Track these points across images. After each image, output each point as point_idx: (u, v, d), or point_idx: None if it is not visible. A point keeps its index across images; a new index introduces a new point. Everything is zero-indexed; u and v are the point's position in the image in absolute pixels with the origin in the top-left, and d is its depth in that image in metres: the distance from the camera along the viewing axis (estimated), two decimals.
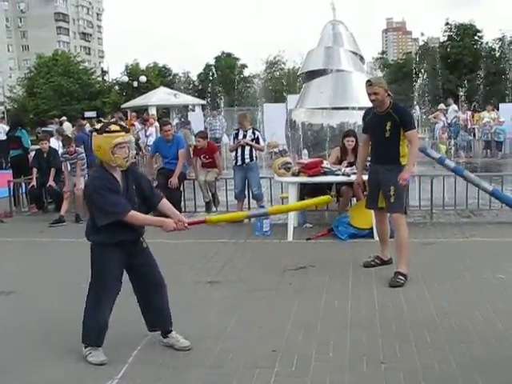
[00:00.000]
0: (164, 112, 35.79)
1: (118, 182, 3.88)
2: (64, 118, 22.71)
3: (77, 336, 4.43)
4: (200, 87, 50.89)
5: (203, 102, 33.27)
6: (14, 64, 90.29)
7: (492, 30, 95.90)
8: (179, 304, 4.27)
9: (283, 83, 33.80)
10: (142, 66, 53.71)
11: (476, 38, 43.24)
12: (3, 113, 48.01)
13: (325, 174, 7.46)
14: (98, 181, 3.89)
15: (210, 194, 9.37)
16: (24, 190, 10.74)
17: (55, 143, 11.92)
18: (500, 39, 41.22)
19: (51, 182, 9.78)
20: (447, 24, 43.89)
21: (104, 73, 57.76)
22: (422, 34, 63.05)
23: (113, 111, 29.89)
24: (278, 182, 8.76)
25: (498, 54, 40.31)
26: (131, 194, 3.93)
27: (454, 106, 20.18)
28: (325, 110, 11.61)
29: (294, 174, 7.60)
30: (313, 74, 13.28)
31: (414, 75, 17.56)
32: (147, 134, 17.72)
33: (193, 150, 9.73)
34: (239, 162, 8.90)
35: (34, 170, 10.07)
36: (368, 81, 5.64)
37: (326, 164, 7.52)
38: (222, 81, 41.01)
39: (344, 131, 8.92)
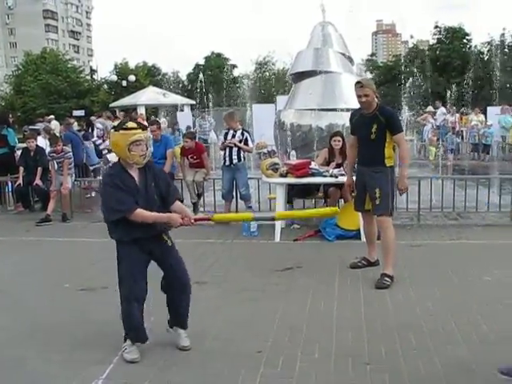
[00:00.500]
0: (153, 111, 35.70)
1: (134, 180, 3.86)
2: (52, 116, 22.54)
3: (61, 336, 4.43)
4: (189, 87, 50.85)
5: (192, 101, 33.22)
6: (2, 61, 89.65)
7: (481, 33, 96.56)
8: (162, 304, 4.24)
9: (272, 84, 33.84)
10: (132, 65, 53.53)
11: (465, 41, 43.49)
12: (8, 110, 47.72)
13: (312, 175, 7.46)
14: (108, 177, 3.93)
15: (196, 194, 9.33)
16: (10, 189, 10.65)
17: (42, 142, 11.84)
18: (488, 43, 41.49)
19: (38, 181, 9.72)
20: (436, 27, 44.13)
21: (93, 71, 57.47)
22: (412, 37, 63.45)
23: (101, 110, 29.75)
24: (266, 183, 8.75)
25: (486, 58, 40.53)
26: (150, 191, 3.90)
27: (442, 109, 20.30)
28: (313, 111, 11.63)
29: (281, 175, 7.59)
30: (302, 75, 13.30)
31: (402, 77, 17.64)
32: None
33: (180, 150, 9.70)
34: (227, 163, 8.89)
35: (21, 169, 9.99)
36: (358, 82, 5.64)
37: (313, 165, 7.53)
38: (212, 81, 40.98)
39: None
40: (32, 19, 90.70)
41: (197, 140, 10.43)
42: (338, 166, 7.78)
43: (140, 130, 3.80)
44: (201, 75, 33.10)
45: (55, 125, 18.10)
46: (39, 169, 9.77)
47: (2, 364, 3.97)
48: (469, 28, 44.50)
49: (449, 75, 35.55)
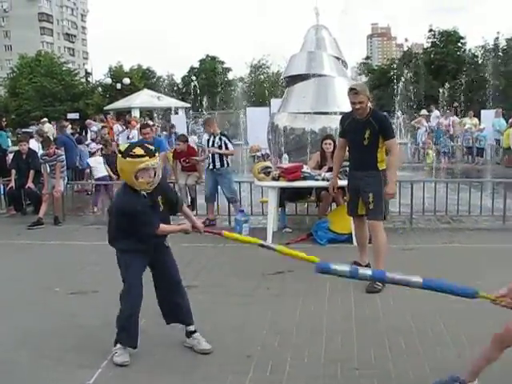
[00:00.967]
0: (147, 114, 35.66)
1: (146, 198, 3.83)
2: (45, 119, 22.48)
3: (48, 340, 4.41)
4: (184, 90, 50.79)
5: (187, 104, 33.24)
6: None
7: (475, 37, 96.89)
8: (155, 308, 4.23)
9: (266, 87, 33.90)
10: (126, 68, 53.46)
11: (459, 44, 43.62)
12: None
13: (304, 178, 7.44)
14: (127, 204, 3.81)
15: (190, 198, 9.33)
16: (2, 192, 10.62)
17: (35, 145, 11.81)
18: (482, 46, 41.63)
19: (30, 184, 9.69)
20: (431, 30, 44.26)
21: (88, 74, 57.34)
22: (406, 40, 63.77)
23: (96, 113, 29.73)
24: (258, 186, 8.73)
25: (480, 61, 40.67)
26: (156, 207, 3.90)
27: (436, 112, 20.36)
28: (307, 115, 11.64)
29: (273, 179, 7.57)
30: (295, 79, 13.31)
31: (396, 81, 17.69)
32: (130, 136, 17.60)
33: (173, 154, 9.68)
34: (210, 166, 8.82)
35: (13, 172, 9.97)
36: (353, 88, 5.58)
37: (305, 169, 7.52)
38: (206, 84, 41.02)
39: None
40: (27, 22, 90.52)
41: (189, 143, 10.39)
42: (331, 169, 7.75)
43: (147, 158, 3.64)
44: (194, 82, 33.12)
45: (48, 127, 18.06)
46: (31, 172, 9.74)
47: None
48: (464, 31, 44.75)
49: (443, 78, 35.62)
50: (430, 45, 44.47)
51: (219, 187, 8.76)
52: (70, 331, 4.56)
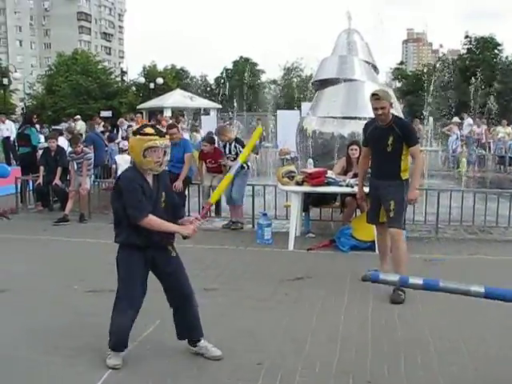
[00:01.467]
0: (180, 114, 35.88)
1: (149, 184, 3.80)
2: (78, 116, 22.79)
3: (61, 338, 4.43)
4: (217, 91, 50.99)
5: (219, 105, 33.33)
6: (36, 61, 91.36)
7: None
8: (163, 310, 4.20)
9: (296, 90, 33.75)
10: (160, 67, 53.95)
11: (496, 51, 42.85)
12: (22, 109, 48.53)
13: (328, 184, 7.36)
14: (127, 181, 3.79)
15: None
16: (31, 188, 10.78)
17: (64, 142, 11.95)
18: None
19: (57, 181, 9.80)
20: (467, 37, 43.62)
21: (123, 73, 58.04)
22: (441, 46, 62.86)
23: (128, 112, 30.02)
24: (283, 191, 8.66)
25: None
26: (159, 199, 3.84)
27: (469, 120, 19.99)
28: (336, 119, 11.55)
29: (297, 183, 7.50)
30: (326, 83, 13.21)
31: (428, 87, 17.41)
32: None
33: (199, 155, 9.68)
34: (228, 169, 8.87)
35: (41, 168, 10.11)
36: (375, 94, 5.49)
37: (330, 174, 7.43)
38: (239, 85, 41.08)
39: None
40: (66, 21, 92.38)
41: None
42: (356, 175, 7.66)
43: (157, 137, 3.69)
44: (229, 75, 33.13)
45: (80, 125, 18.28)
46: (59, 169, 9.86)
47: (1, 364, 3.97)
48: (501, 38, 43.93)
49: (477, 86, 35.05)
50: (465, 51, 43.79)
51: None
52: (84, 330, 4.57)
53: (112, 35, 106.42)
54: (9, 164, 14.32)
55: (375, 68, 13.81)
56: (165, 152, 3.75)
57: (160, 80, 41.89)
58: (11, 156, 15.36)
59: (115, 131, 21.73)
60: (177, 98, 31.06)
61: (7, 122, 17.24)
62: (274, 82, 57.29)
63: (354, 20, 13.57)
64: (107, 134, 15.05)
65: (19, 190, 10.47)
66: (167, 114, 28.48)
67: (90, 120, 17.28)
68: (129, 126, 16.93)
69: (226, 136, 9.04)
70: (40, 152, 10.92)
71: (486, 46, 42.25)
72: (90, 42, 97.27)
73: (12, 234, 8.43)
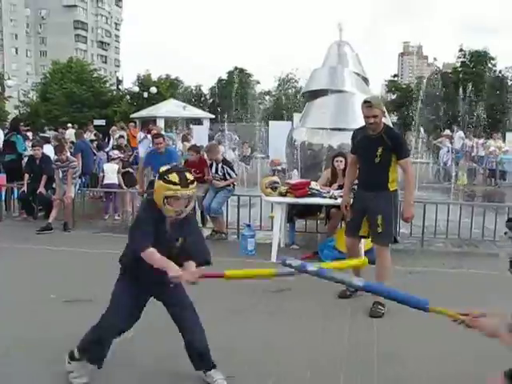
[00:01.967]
0: (175, 124, 35.85)
1: (165, 222, 3.57)
2: (69, 124, 22.75)
3: (36, 349, 4.34)
4: (211, 101, 51.04)
5: (212, 115, 33.36)
6: (32, 69, 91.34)
7: (507, 58, 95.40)
8: (147, 321, 4.13)
9: (289, 101, 33.84)
10: (154, 77, 53.99)
11: (489, 65, 43.12)
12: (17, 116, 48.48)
13: (312, 195, 7.30)
14: (142, 210, 3.74)
15: (200, 210, 9.24)
16: (16, 196, 10.69)
17: (51, 150, 11.85)
18: None
19: (41, 189, 9.71)
20: (461, 50, 43.89)
21: (119, 82, 58.11)
22: (435, 59, 63.24)
23: (122, 120, 29.98)
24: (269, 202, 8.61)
25: (510, 83, 40.12)
26: (172, 242, 3.61)
27: (460, 133, 20.05)
28: (325, 131, 11.52)
29: (281, 194, 7.45)
30: (316, 94, 13.20)
31: (419, 99, 17.48)
32: (151, 145, 17.64)
33: (184, 164, 9.63)
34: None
35: (26, 176, 10.03)
36: (367, 101, 5.30)
37: (313, 185, 7.38)
38: (233, 96, 41.13)
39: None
40: (63, 29, 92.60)
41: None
42: (341, 187, 7.61)
43: (179, 187, 3.40)
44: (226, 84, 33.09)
45: (70, 133, 18.20)
46: (44, 177, 9.77)
47: None
48: (495, 52, 44.23)
49: (470, 99, 35.24)
50: (459, 64, 44.05)
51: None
52: (59, 340, 4.45)
53: (108, 44, 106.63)
54: None
55: (366, 80, 13.82)
56: (189, 200, 3.52)
57: (154, 89, 41.90)
58: None
59: (107, 140, 21.70)
60: (170, 108, 31.07)
61: None
62: (268, 92, 57.39)
63: (347, 32, 13.60)
64: (95, 142, 14.95)
65: (3, 197, 10.39)
66: (160, 123, 28.47)
67: (79, 128, 17.19)
68: (120, 136, 16.88)
69: (214, 155, 9.01)
70: (26, 159, 10.84)
71: (479, 60, 42.50)
72: (86, 50, 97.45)
73: None
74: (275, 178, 7.88)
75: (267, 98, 55.89)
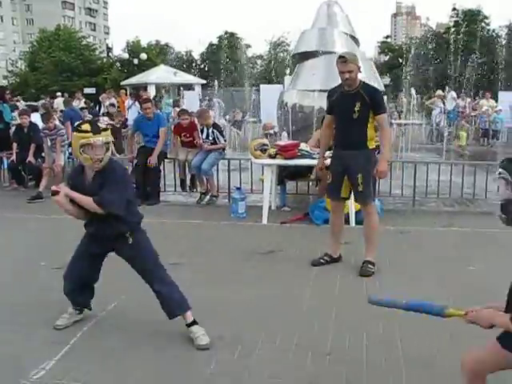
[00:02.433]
0: (166, 90, 35.50)
1: (85, 178, 3.81)
2: (58, 93, 22.49)
3: (21, 313, 4.35)
4: (202, 66, 50.44)
5: (203, 81, 32.99)
6: (19, 38, 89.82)
7: (502, 16, 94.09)
8: (134, 285, 4.14)
9: (281, 64, 33.54)
10: (144, 43, 53.25)
11: (483, 24, 42.63)
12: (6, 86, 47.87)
13: (302, 156, 7.25)
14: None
15: (190, 174, 9.20)
16: (5, 165, 10.60)
17: (39, 118, 11.71)
18: (507, 26, 40.64)
19: (30, 158, 9.62)
20: (454, 9, 43.34)
21: (109, 49, 57.30)
22: (428, 19, 62.57)
23: (112, 88, 29.64)
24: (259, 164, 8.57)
25: (504, 42, 39.72)
26: (89, 189, 3.77)
27: (452, 93, 19.90)
28: (316, 92, 11.40)
29: (270, 156, 7.40)
30: (306, 56, 13.04)
31: (411, 60, 17.30)
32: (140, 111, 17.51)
33: (173, 129, 9.55)
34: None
35: (14, 145, 9.91)
36: (342, 56, 5.18)
37: (303, 147, 7.33)
38: (224, 60, 40.66)
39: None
40: None
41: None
42: (331, 148, 7.56)
43: (90, 134, 3.61)
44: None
45: (58, 102, 18.00)
46: (32, 145, 9.66)
47: None
48: (489, 11, 43.67)
49: (464, 59, 34.92)
50: (452, 24, 43.55)
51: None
52: (45, 305, 4.49)
53: (96, 11, 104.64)
54: None
55: (356, 40, 13.64)
56: (107, 148, 3.69)
57: (144, 56, 41.38)
58: None
59: (97, 108, 21.50)
60: (160, 74, 30.63)
61: None
62: (260, 56, 56.73)
63: None
64: (86, 110, 14.80)
65: None
66: (151, 89, 28.17)
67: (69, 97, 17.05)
68: (111, 104, 16.74)
69: (205, 120, 8.94)
70: (13, 129, 10.71)
71: (472, 19, 41.99)
72: (74, 17, 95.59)
73: None
74: (264, 140, 7.81)
75: (259, 62, 55.27)
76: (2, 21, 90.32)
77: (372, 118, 5.22)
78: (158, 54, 50.96)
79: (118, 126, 12.21)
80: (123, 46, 55.39)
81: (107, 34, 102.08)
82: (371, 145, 5.32)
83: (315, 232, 6.82)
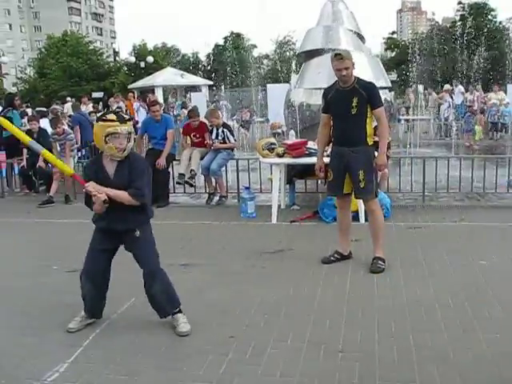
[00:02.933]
0: (173, 93, 35.57)
1: (106, 170, 3.88)
2: (68, 98, 22.61)
3: (34, 318, 4.39)
4: (209, 68, 50.47)
5: (210, 82, 33.05)
6: (27, 45, 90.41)
7: (509, 8, 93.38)
8: (140, 287, 4.16)
9: (287, 63, 33.47)
10: (150, 46, 53.40)
11: (489, 17, 42.34)
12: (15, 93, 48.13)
13: (309, 155, 7.24)
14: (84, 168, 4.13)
15: (189, 173, 9.06)
16: (16, 171, 10.69)
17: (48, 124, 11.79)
18: None
19: (40, 163, 9.67)
20: (460, 3, 43.07)
21: (116, 53, 57.49)
22: (433, 14, 62.24)
23: (119, 92, 29.76)
24: (268, 164, 8.57)
25: (511, 34, 39.40)
26: (119, 181, 3.84)
27: (460, 88, 19.78)
28: (322, 91, 11.39)
29: (278, 155, 7.40)
30: (311, 54, 13.02)
31: (418, 55, 17.22)
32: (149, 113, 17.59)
33: (183, 129, 9.57)
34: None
35: (24, 151, 10.00)
36: (338, 54, 5.18)
37: (311, 145, 7.32)
38: (231, 61, 40.70)
39: None
40: (55, 2, 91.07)
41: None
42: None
43: (117, 123, 3.73)
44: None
45: (68, 107, 18.10)
46: None
47: None
48: (495, 3, 43.37)
49: (471, 52, 34.72)
50: (458, 18, 43.29)
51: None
52: (58, 309, 4.53)
53: (102, 15, 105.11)
54: None
55: (361, 37, 13.61)
56: (128, 138, 3.79)
57: (150, 59, 41.48)
58: None
59: (106, 111, 21.57)
60: (167, 76, 30.72)
61: None
62: (266, 56, 56.73)
63: None
64: (93, 114, 14.84)
65: (5, 173, 10.39)
66: (158, 92, 28.26)
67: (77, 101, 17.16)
68: (118, 108, 16.80)
69: (215, 120, 8.94)
70: None
71: (479, 12, 41.72)
72: (81, 23, 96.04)
73: None
74: (272, 140, 7.82)
75: (265, 61, 55.25)
76: (10, 29, 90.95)
77: (370, 112, 5.20)
78: (165, 56, 51.07)
79: None
80: (130, 49, 55.65)
81: (114, 38, 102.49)
82: (370, 141, 5.30)
83: (325, 230, 6.81)
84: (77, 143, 9.87)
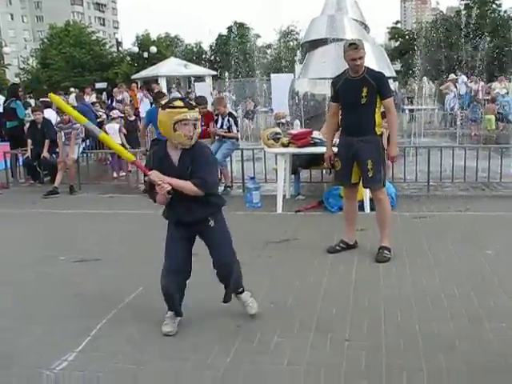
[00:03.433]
0: (177, 83, 35.47)
1: (171, 159, 3.69)
2: (72, 89, 22.60)
3: (46, 308, 4.42)
4: (212, 58, 50.31)
5: (214, 72, 32.99)
6: (29, 35, 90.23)
7: None
8: (153, 276, 4.17)
9: (291, 53, 33.37)
10: (153, 36, 53.22)
11: (494, 6, 42.02)
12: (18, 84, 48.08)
13: (315, 144, 7.23)
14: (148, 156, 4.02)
15: None
16: (21, 162, 10.71)
17: (52, 114, 11.79)
18: None
19: (45, 154, 9.71)
20: None
21: (119, 43, 57.33)
22: (438, 3, 61.82)
23: (123, 82, 29.70)
24: (273, 154, 8.57)
25: None
26: (182, 174, 3.65)
27: (463, 78, 19.70)
28: (327, 80, 11.37)
29: (283, 145, 7.40)
30: (316, 44, 13.01)
31: (422, 45, 17.15)
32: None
33: None
34: (217, 137, 8.90)
35: (29, 142, 10.02)
36: (353, 43, 5.16)
37: (316, 134, 7.31)
38: (234, 51, 40.60)
39: None
40: None
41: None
42: None
43: (186, 110, 3.56)
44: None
45: (72, 98, 18.10)
46: (46, 141, 9.75)
47: None
48: None
49: (476, 42, 34.55)
50: (463, 7, 42.98)
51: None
52: (66, 299, 4.56)
53: (105, 5, 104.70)
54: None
55: (366, 26, 13.57)
56: (195, 125, 3.60)
57: (154, 49, 41.34)
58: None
59: (109, 101, 21.57)
60: (171, 67, 30.61)
61: None
62: (270, 46, 56.53)
63: None
64: (97, 104, 14.84)
65: (9, 164, 10.42)
66: (162, 82, 28.19)
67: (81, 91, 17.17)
68: (118, 101, 16.87)
69: (222, 108, 8.94)
70: (27, 125, 10.80)
71: (483, 1, 41.39)
72: (83, 13, 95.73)
73: (1, 208, 8.39)
74: (277, 129, 7.81)
75: (269, 51, 55.07)
76: (12, 19, 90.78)
77: (379, 102, 5.21)
78: (168, 46, 50.90)
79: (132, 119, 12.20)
80: (133, 39, 55.46)
81: (116, 28, 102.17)
82: (379, 131, 5.31)
83: (330, 219, 6.82)
84: (82, 133, 9.85)
